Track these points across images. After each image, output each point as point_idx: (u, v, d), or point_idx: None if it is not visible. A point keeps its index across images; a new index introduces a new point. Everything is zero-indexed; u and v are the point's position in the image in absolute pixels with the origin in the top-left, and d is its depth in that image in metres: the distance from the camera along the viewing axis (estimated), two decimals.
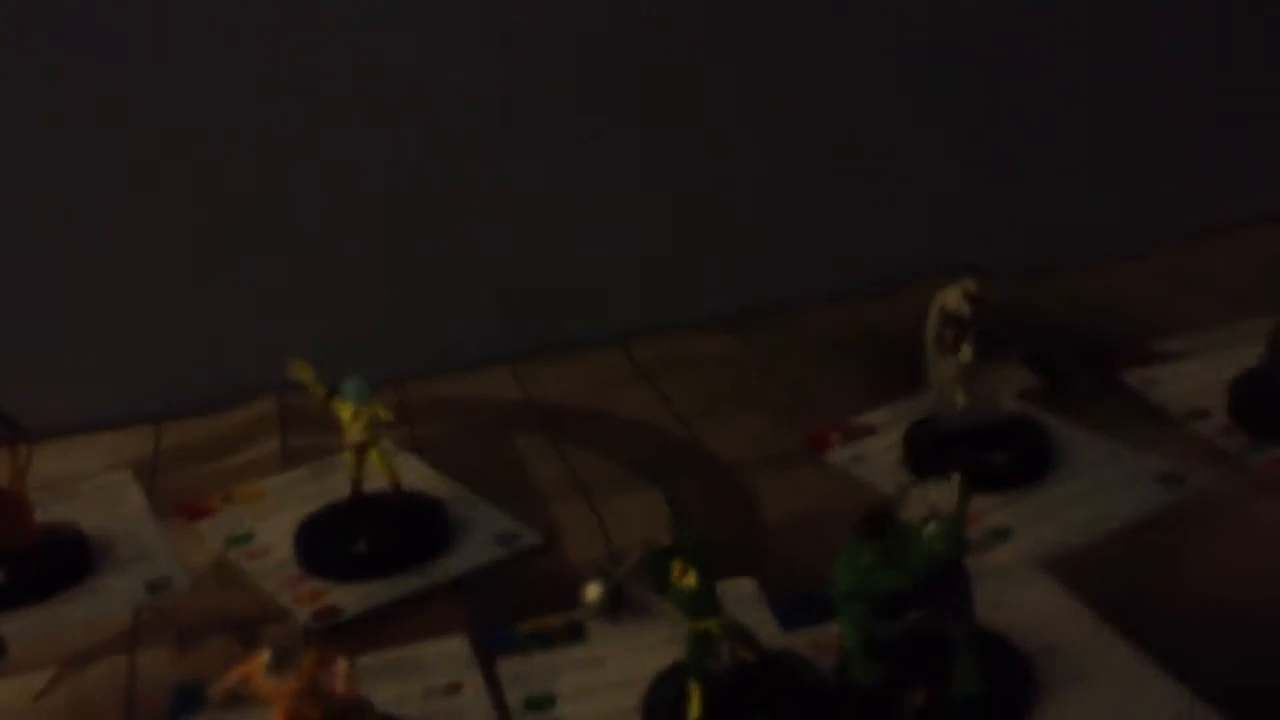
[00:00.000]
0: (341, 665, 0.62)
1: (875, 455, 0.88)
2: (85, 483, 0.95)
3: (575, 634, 0.73)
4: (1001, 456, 0.84)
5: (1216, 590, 0.73)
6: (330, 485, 0.87)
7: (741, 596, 0.74)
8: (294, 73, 1.01)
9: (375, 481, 0.84)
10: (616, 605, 0.72)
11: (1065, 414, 0.89)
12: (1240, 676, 0.67)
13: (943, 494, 0.62)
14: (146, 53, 0.98)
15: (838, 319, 1.10)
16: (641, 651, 0.70)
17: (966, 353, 0.83)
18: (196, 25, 0.98)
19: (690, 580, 0.63)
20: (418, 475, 0.90)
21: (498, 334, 1.10)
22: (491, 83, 1.05)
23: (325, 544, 0.83)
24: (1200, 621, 0.71)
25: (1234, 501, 0.80)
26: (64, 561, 0.84)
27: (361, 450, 0.83)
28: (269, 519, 0.88)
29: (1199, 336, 0.96)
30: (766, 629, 0.71)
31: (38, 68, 0.97)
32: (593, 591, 0.72)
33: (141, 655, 0.76)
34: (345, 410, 0.83)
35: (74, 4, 0.96)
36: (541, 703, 0.69)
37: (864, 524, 0.62)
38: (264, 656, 0.60)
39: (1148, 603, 0.73)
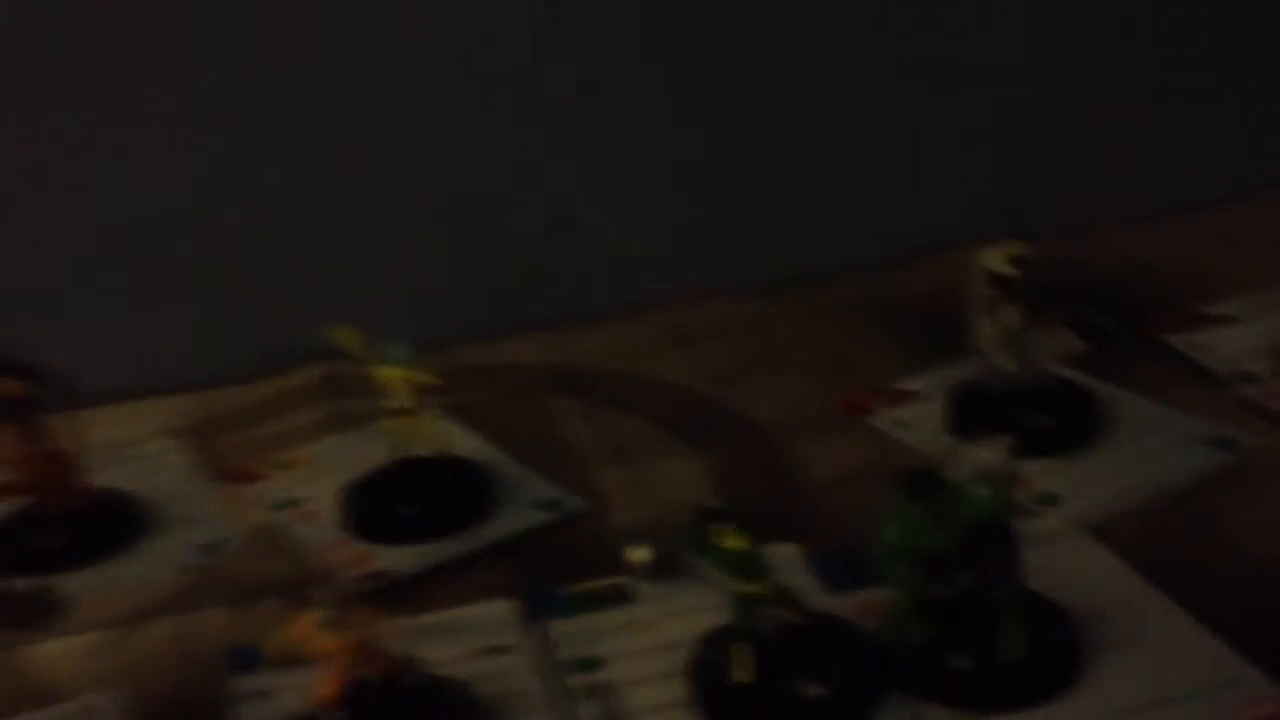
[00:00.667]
0: (392, 625, 0.62)
1: (919, 420, 0.88)
2: (136, 448, 0.96)
3: (622, 597, 0.74)
4: (1048, 420, 0.83)
5: (1265, 552, 0.73)
6: (374, 451, 0.87)
7: (784, 560, 0.74)
8: (332, 49, 1.02)
9: (418, 448, 0.85)
10: (661, 567, 0.73)
11: (1112, 377, 0.89)
12: None
13: (991, 455, 0.62)
14: (213, 19, 0.99)
15: (874, 284, 1.09)
16: (689, 614, 0.71)
17: (1011, 315, 0.82)
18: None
19: (735, 543, 0.63)
20: (459, 440, 0.91)
21: (529, 302, 1.10)
22: (520, 52, 1.04)
23: (371, 508, 0.83)
24: (1249, 583, 0.71)
25: None
26: (116, 524, 0.85)
27: (405, 415, 0.84)
28: (315, 483, 0.88)
29: (1247, 298, 0.96)
30: (811, 593, 0.72)
31: (114, 38, 0.98)
32: (637, 554, 0.72)
33: (194, 616, 0.77)
34: (389, 375, 0.83)
35: None
36: (589, 664, 0.69)
37: (911, 484, 0.62)
38: (317, 616, 0.60)
39: (1196, 566, 0.73)
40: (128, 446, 0.96)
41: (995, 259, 0.82)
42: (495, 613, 0.74)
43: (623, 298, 1.10)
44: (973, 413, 0.85)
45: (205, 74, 1.00)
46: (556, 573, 0.77)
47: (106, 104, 0.99)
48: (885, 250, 1.11)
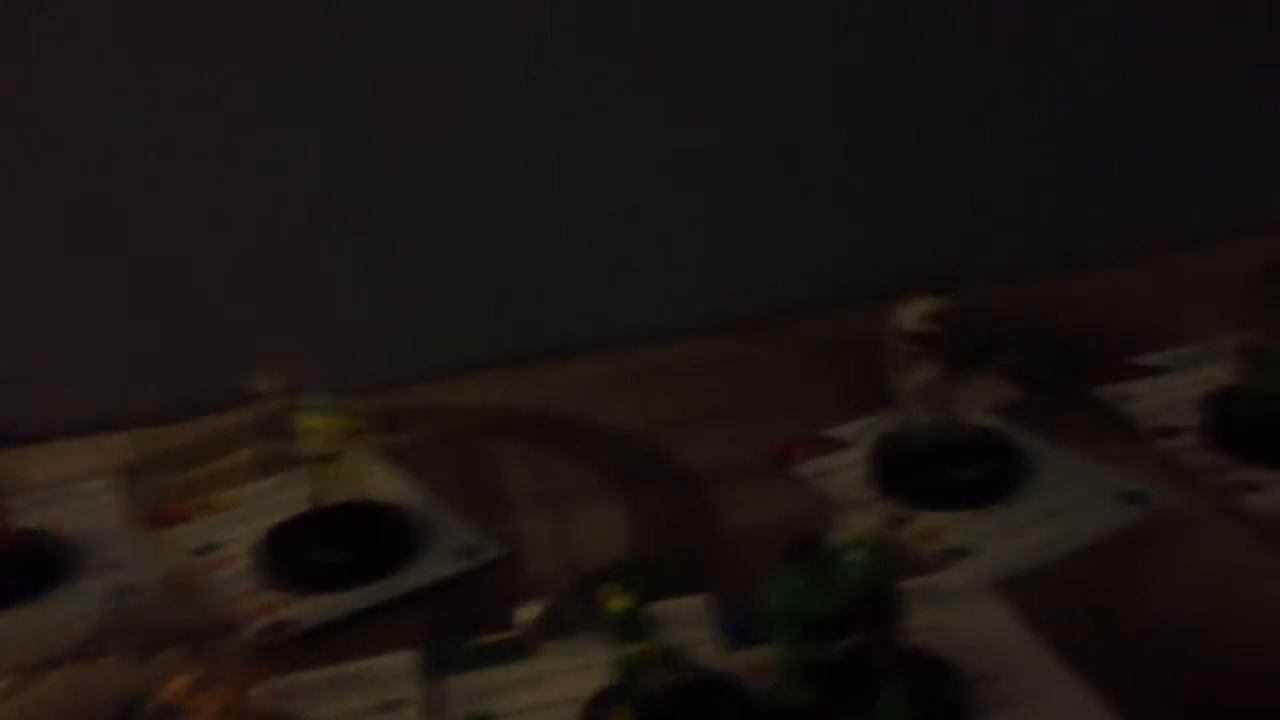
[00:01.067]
0: (269, 683, 0.62)
1: (842, 470, 0.88)
2: (65, 488, 0.96)
3: (523, 651, 0.74)
4: (966, 473, 0.83)
5: (1172, 613, 0.73)
6: (302, 495, 0.88)
7: (690, 614, 0.74)
8: (271, 77, 1.02)
9: (339, 494, 0.85)
10: (552, 627, 0.73)
11: (1038, 428, 0.88)
12: (1190, 700, 0.67)
13: (869, 521, 0.62)
14: (122, 64, 1.00)
15: (823, 329, 1.09)
16: (585, 670, 0.70)
17: (926, 371, 0.82)
18: (169, 27, 1.00)
19: (618, 604, 0.63)
20: (388, 485, 0.91)
21: (484, 341, 1.10)
22: (475, 84, 1.05)
23: (285, 555, 0.84)
24: (1153, 644, 0.71)
25: (1195, 522, 0.79)
26: (38, 567, 0.86)
27: (325, 461, 0.84)
28: (237, 528, 0.89)
29: (1179, 349, 0.95)
30: (712, 648, 0.71)
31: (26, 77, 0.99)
32: (525, 613, 0.72)
33: (99, 664, 0.77)
34: (308, 422, 0.83)
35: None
36: None
37: (792, 548, 0.62)
38: (192, 673, 0.61)
39: (1102, 625, 0.72)
40: (61, 485, 0.96)
41: (909, 315, 0.82)
42: (397, 665, 0.74)
43: (580, 338, 1.10)
44: (892, 465, 0.85)
45: (133, 115, 1.01)
46: (470, 622, 0.77)
47: (37, 145, 1.00)
48: (839, 293, 1.11)
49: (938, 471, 0.83)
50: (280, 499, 0.90)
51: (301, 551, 0.83)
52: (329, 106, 1.03)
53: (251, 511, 0.90)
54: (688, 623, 0.73)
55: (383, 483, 0.91)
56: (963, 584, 0.75)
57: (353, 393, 0.88)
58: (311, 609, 0.80)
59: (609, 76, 1.06)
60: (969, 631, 0.70)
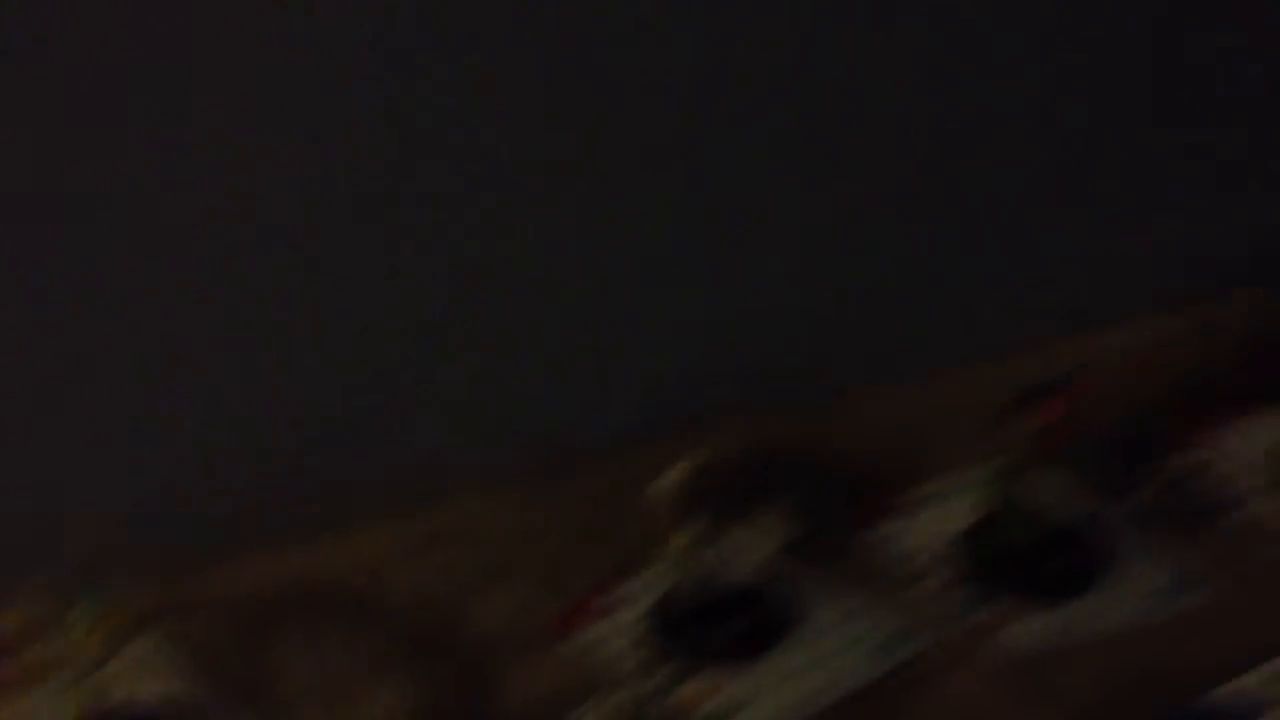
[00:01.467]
0: None
1: (617, 635, 0.88)
2: None
3: None
4: (735, 628, 0.84)
5: None
6: (76, 701, 0.85)
7: None
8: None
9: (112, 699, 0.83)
10: None
11: (807, 572, 0.89)
12: None
13: (631, 693, 0.62)
14: None
15: (604, 477, 1.08)
16: None
17: (693, 526, 0.83)
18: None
19: None
20: (162, 682, 0.89)
21: (260, 513, 1.07)
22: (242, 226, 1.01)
23: None
24: None
25: (954, 663, 0.80)
26: None
27: (95, 664, 0.82)
28: None
29: (944, 480, 0.97)
30: None
31: None
32: None
33: None
34: (78, 626, 0.82)
35: None
36: None
37: None
38: None
39: None
40: None
41: (674, 473, 0.83)
42: None
43: (359, 503, 1.07)
44: (665, 625, 0.86)
45: None
46: None
47: None
48: (649, 428, 1.11)
49: (708, 630, 0.84)
50: (51, 709, 0.87)
51: None
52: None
53: None
54: None
55: (156, 680, 0.89)
56: None
57: (127, 582, 0.86)
58: None
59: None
60: None
